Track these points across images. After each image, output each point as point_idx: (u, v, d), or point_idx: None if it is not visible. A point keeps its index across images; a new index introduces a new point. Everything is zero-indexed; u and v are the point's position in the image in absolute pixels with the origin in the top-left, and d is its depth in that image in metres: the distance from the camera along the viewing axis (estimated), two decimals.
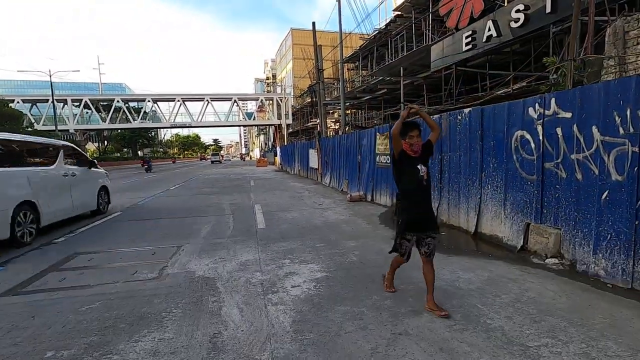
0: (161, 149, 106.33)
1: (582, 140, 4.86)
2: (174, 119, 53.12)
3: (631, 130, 4.25)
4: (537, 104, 5.55)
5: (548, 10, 9.01)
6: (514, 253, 5.83)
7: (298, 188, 17.01)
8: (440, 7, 13.75)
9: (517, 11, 10.00)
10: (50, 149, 8.33)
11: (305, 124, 44.14)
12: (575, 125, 4.96)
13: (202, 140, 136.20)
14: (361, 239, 7.03)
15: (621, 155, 4.37)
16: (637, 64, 5.86)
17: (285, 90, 55.72)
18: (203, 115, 53.03)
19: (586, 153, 4.81)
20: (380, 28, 22.40)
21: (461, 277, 4.77)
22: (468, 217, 7.24)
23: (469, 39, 11.96)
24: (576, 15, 5.83)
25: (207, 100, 52.15)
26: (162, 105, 54.25)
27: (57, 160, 8.21)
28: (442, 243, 6.65)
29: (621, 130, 4.36)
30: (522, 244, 5.81)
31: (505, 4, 11.64)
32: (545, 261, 5.26)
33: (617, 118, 4.41)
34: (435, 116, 8.30)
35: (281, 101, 53.06)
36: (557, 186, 5.28)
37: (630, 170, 4.26)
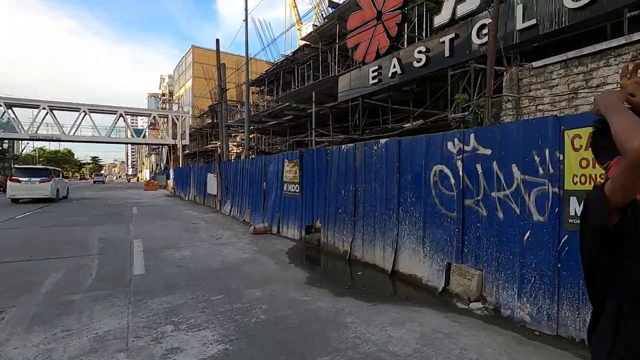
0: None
1: (502, 178, 4.74)
2: (36, 130, 43.77)
3: (551, 170, 4.20)
4: (456, 139, 5.39)
5: (447, 54, 9.76)
6: (436, 296, 5.40)
7: (193, 217, 14.87)
8: (347, 40, 14.07)
9: (420, 52, 10.67)
10: (58, 170, 23.08)
11: (204, 146, 41.14)
12: (495, 163, 4.84)
13: (76, 157, 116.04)
14: (269, 285, 5.84)
15: (542, 196, 4.29)
16: (529, 108, 6.38)
17: (182, 109, 51.66)
18: (78, 128, 45.06)
19: (507, 191, 4.68)
20: (288, 55, 22.34)
21: (393, 336, 3.99)
22: (384, 254, 6.74)
23: (376, 73, 12.38)
24: (492, 54, 6.07)
25: (85, 112, 44.65)
26: (22, 112, 44.29)
27: (59, 176, 22.68)
28: (360, 285, 5.92)
29: (541, 170, 4.31)
30: (443, 285, 5.43)
31: (405, 46, 12.45)
32: (470, 305, 4.90)
33: (536, 157, 4.35)
34: (349, 145, 7.84)
35: (177, 119, 48.85)
36: (479, 224, 5.07)
37: (552, 211, 4.18)
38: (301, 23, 36.53)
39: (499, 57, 6.78)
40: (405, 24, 12.36)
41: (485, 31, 8.67)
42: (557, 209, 4.14)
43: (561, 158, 4.12)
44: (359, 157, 7.57)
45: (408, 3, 11.62)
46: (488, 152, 4.95)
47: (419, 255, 6.02)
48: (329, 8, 17.51)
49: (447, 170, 5.56)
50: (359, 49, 13.37)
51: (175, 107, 55.72)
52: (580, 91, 5.68)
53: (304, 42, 20.57)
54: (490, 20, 8.58)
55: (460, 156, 5.32)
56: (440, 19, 10.04)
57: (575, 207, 3.98)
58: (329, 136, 17.26)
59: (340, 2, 16.93)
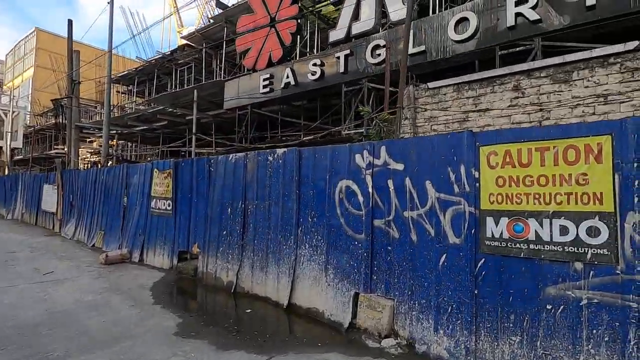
0: None
1: (416, 196, 4.31)
2: None
3: (467, 188, 3.92)
4: (365, 151, 4.83)
5: (341, 70, 9.63)
6: (342, 333, 4.59)
7: (13, 243, 10.93)
8: (237, 44, 12.90)
9: (315, 65, 10.32)
10: None
11: (46, 151, 32.91)
12: (408, 179, 4.40)
13: None
14: (120, 344, 4.07)
15: (458, 216, 3.97)
16: (424, 127, 6.46)
17: (17, 103, 40.77)
18: None
19: (421, 211, 4.26)
20: (164, 53, 19.65)
21: None
22: (279, 284, 5.67)
23: (267, 82, 11.53)
24: (403, 66, 5.85)
25: None
26: None
27: None
28: (250, 328, 4.68)
29: (456, 188, 4.00)
30: (350, 319, 4.67)
31: (297, 58, 12.04)
32: (382, 343, 4.23)
33: (451, 174, 4.05)
34: (239, 155, 6.63)
35: (5, 115, 38.19)
36: (390, 248, 4.52)
37: (468, 232, 3.87)
38: (182, 26, 33.56)
39: (395, 79, 6.84)
40: (298, 37, 12.00)
41: (379, 51, 8.83)
42: (473, 230, 3.84)
43: (477, 176, 3.87)
44: (250, 169, 6.41)
45: (304, 14, 11.31)
46: (400, 167, 4.49)
47: (321, 284, 5.16)
48: (217, 8, 16.05)
49: (354, 187, 4.92)
50: (249, 54, 12.37)
51: (3, 100, 43.77)
52: (471, 114, 5.97)
53: (185, 42, 18.39)
54: (384, 42, 8.78)
55: (370, 171, 4.76)
56: (336, 35, 9.96)
57: (492, 227, 3.73)
58: (212, 147, 15.49)
59: (230, 4, 15.71)
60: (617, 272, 3.08)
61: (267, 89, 11.57)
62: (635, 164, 3.05)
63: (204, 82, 15.43)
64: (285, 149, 5.92)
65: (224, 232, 6.68)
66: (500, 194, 3.70)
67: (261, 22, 11.92)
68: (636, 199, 3.03)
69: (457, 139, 4.05)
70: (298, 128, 13.13)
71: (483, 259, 3.77)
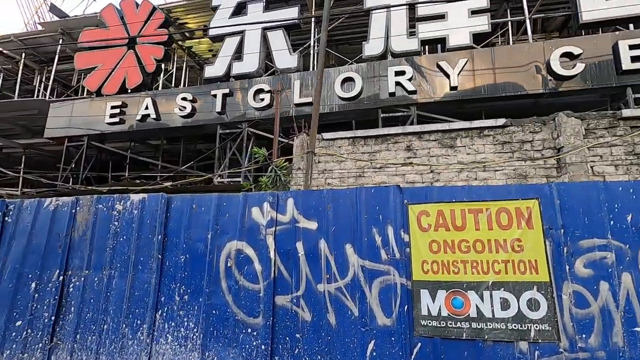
0: None
1: (333, 263, 3.41)
2: None
3: (396, 255, 3.27)
4: (266, 204, 3.73)
5: (218, 109, 8.43)
6: None
7: None
8: (77, 57, 10.13)
9: (185, 99, 8.78)
10: None
11: None
12: (323, 241, 3.48)
13: None
14: None
15: (387, 289, 3.23)
16: (319, 180, 5.84)
17: None
18: None
19: (340, 283, 3.35)
20: None
21: None
22: None
23: (117, 111, 9.11)
24: (316, 109, 5.08)
25: None
26: None
27: None
28: None
29: (384, 255, 3.30)
30: None
31: (160, 89, 10.21)
32: None
33: (377, 237, 3.36)
34: (65, 200, 4.45)
35: None
36: (298, 335, 3.36)
37: (401, 310, 3.14)
38: None
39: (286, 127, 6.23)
40: (163, 66, 10.32)
41: (262, 96, 8.15)
42: (406, 307, 3.13)
43: (407, 239, 3.28)
44: (82, 221, 4.33)
45: (172, 41, 9.85)
46: (313, 225, 3.56)
47: None
48: (50, 13, 12.76)
49: (249, 251, 3.68)
50: (94, 75, 9.81)
51: None
52: (367, 170, 5.71)
53: None
54: (268, 87, 8.19)
55: (272, 229, 3.65)
56: (213, 70, 8.83)
57: (428, 303, 3.10)
58: (19, 187, 11.26)
59: (71, 15, 12.75)
60: (561, 350, 2.80)
61: (116, 120, 9.19)
62: (563, 230, 2.97)
63: (15, 98, 11.49)
64: (145, 195, 4.21)
65: (19, 323, 4.14)
66: (435, 262, 3.16)
67: (115, 40, 9.78)
68: (568, 267, 2.91)
69: (383, 194, 3.44)
70: (154, 171, 10.83)
71: (419, 344, 3.05)
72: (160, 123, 8.96)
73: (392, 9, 7.64)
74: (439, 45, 8.11)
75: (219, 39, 8.97)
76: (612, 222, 2.91)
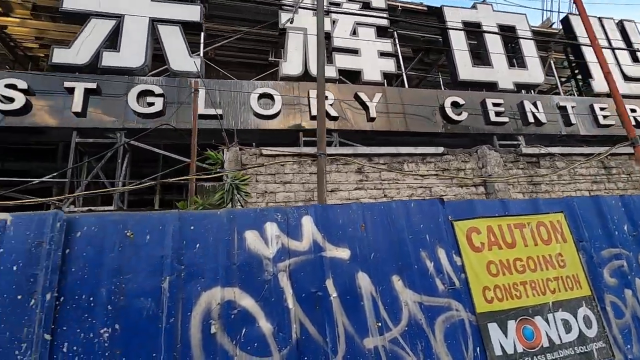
0: None
1: (381, 305, 2.45)
2: None
3: (456, 283, 2.62)
4: (272, 225, 2.47)
5: (77, 109, 5.76)
6: None
7: None
8: None
9: (12, 87, 5.64)
10: None
11: None
12: (362, 275, 2.50)
13: None
14: None
15: (452, 328, 2.51)
16: (258, 204, 4.51)
17: None
18: None
19: (394, 332, 2.41)
20: None
21: None
22: None
23: None
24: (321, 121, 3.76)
25: None
26: None
27: None
28: None
29: (439, 284, 2.60)
30: None
31: None
32: None
33: (427, 262, 2.64)
34: None
35: None
36: None
37: (475, 352, 2.45)
38: None
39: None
40: None
41: (152, 99, 6.17)
42: (478, 349, 2.47)
43: (459, 263, 2.69)
44: None
45: None
46: (345, 253, 2.52)
47: None
48: None
49: (248, 302, 2.28)
50: None
51: None
52: (315, 192, 4.82)
53: None
54: (160, 90, 6.36)
55: (285, 263, 2.40)
56: (66, 55, 6.15)
57: (499, 339, 2.53)
58: None
59: None
60: None
61: None
62: (590, 242, 3.03)
63: None
64: (6, 216, 2.14)
65: None
66: (497, 287, 2.67)
67: None
68: (601, 279, 2.93)
69: (426, 209, 2.79)
70: None
71: None
72: None
73: (308, 35, 7.43)
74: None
75: (80, 18, 6.54)
76: (616, 232, 3.15)
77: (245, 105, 6.66)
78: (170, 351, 2.07)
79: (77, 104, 5.96)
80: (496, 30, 8.76)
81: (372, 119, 7.11)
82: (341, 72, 7.48)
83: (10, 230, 2.11)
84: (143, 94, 6.29)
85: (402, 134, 7.38)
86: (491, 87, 8.30)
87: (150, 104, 6.24)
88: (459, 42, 8.45)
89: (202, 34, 7.51)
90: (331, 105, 6.95)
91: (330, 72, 7.37)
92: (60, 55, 6.28)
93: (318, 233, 2.51)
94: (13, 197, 5.88)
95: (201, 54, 7.17)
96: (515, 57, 9.03)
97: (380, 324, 2.37)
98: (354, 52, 7.67)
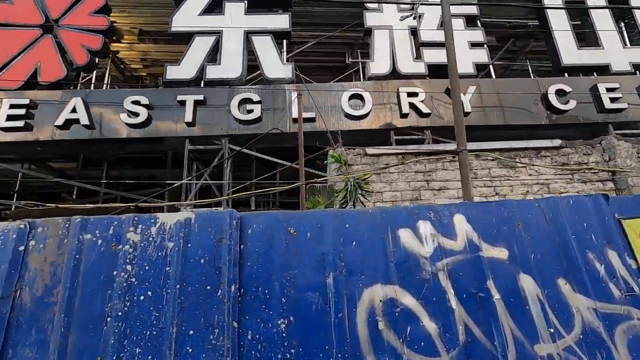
0: None
1: (549, 310, 2.27)
2: None
3: (635, 288, 2.34)
4: (426, 223, 2.43)
5: (188, 119, 6.44)
6: None
7: None
8: None
9: (135, 103, 6.49)
10: None
11: None
12: (525, 277, 2.34)
13: None
14: None
15: (636, 338, 2.22)
16: (367, 205, 4.53)
17: None
18: None
19: (568, 339, 2.21)
20: None
21: None
22: None
23: (23, 111, 6.16)
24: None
25: None
26: None
27: None
28: None
29: (615, 290, 2.34)
30: None
31: (92, 87, 7.50)
32: None
33: (597, 265, 2.39)
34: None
35: None
36: None
37: None
38: None
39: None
40: (97, 61, 7.81)
41: (251, 107, 6.61)
42: None
43: (634, 266, 2.39)
44: (43, 266, 2.25)
45: (114, 31, 7.53)
46: (503, 253, 2.39)
47: None
48: None
49: (409, 300, 2.27)
50: None
51: None
52: (423, 192, 4.74)
53: None
54: (257, 97, 6.75)
55: (442, 262, 2.34)
56: (178, 72, 6.89)
57: None
58: None
59: None
60: None
61: (19, 124, 6.28)
62: None
63: None
64: (190, 214, 2.39)
65: None
66: None
67: (19, 17, 7.05)
68: None
69: (588, 207, 2.53)
70: (62, 202, 7.75)
71: None
72: (95, 132, 6.44)
73: (394, 31, 7.32)
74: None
75: (186, 37, 7.23)
76: None
77: (335, 107, 6.77)
78: (341, 345, 2.14)
79: (188, 115, 6.59)
80: (604, 4, 7.81)
81: (466, 114, 6.75)
82: (430, 67, 7.23)
83: (194, 227, 2.36)
84: (243, 102, 6.73)
85: (499, 127, 6.92)
86: (602, 70, 7.39)
87: (250, 111, 6.65)
88: (559, 23, 7.68)
89: (285, 41, 7.81)
90: (422, 101, 6.77)
91: (419, 68, 7.18)
92: (172, 72, 6.98)
93: (473, 232, 2.41)
94: (131, 200, 6.68)
95: (284, 61, 7.43)
96: (630, 34, 7.94)
97: (552, 330, 2.20)
98: (443, 45, 7.36)
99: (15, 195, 7.89)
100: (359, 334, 2.17)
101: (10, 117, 6.38)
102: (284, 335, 2.15)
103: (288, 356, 2.11)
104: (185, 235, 2.33)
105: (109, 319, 2.15)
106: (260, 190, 4.46)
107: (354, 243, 2.38)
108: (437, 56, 7.33)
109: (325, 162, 4.81)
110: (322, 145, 4.97)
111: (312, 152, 5.99)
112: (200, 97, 6.70)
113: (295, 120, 6.69)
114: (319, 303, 2.23)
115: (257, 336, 2.16)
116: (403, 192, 4.76)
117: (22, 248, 2.26)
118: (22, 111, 6.40)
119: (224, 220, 2.34)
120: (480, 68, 7.45)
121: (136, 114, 6.50)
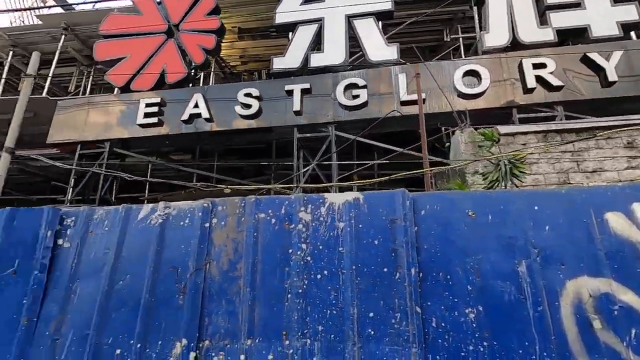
0: None
1: None
2: None
3: None
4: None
5: (295, 108, 6.68)
6: None
7: None
8: (97, 52, 8.05)
9: (248, 95, 6.93)
10: None
11: None
12: None
13: None
14: None
15: None
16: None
17: None
18: None
19: None
20: None
21: None
22: None
23: (155, 109, 7.08)
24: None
25: None
26: None
27: None
28: None
29: None
30: None
31: (210, 83, 8.19)
32: None
33: None
34: (184, 204, 2.48)
35: None
36: None
37: None
38: None
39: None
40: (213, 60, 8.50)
41: (356, 92, 6.54)
42: None
43: None
44: (226, 243, 2.38)
45: (224, 30, 8.12)
46: None
47: None
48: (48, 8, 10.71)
49: (629, 297, 1.89)
50: (120, 67, 7.80)
51: None
52: (572, 174, 4.14)
53: None
54: (363, 81, 6.61)
55: None
56: (283, 62, 7.17)
57: None
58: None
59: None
60: None
61: (153, 120, 7.14)
62: None
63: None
64: (358, 194, 2.33)
65: None
66: None
67: (149, 27, 7.94)
68: None
69: None
70: (180, 190, 8.65)
71: None
72: (215, 124, 7.00)
73: None
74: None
75: (290, 27, 7.40)
76: None
77: (447, 87, 6.28)
78: (545, 342, 1.87)
79: (296, 104, 6.75)
80: None
81: (609, 84, 5.72)
82: (560, 32, 6.26)
83: (364, 207, 2.29)
84: (348, 87, 6.65)
85: None
86: None
87: (355, 97, 6.54)
88: None
89: (380, 22, 7.40)
90: (551, 73, 5.90)
91: (546, 34, 6.28)
92: (278, 63, 7.21)
93: None
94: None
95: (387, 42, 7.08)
96: None
97: None
98: (576, 5, 6.31)
99: (147, 184, 9.06)
100: (567, 332, 1.88)
101: (146, 115, 7.25)
102: (474, 325, 1.96)
103: (481, 349, 1.92)
104: (356, 215, 2.27)
105: (289, 295, 2.20)
106: (382, 178, 4.29)
107: (547, 227, 2.07)
108: (568, 19, 6.33)
109: (447, 144, 4.45)
110: (443, 125, 4.61)
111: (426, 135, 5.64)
112: (307, 86, 6.80)
113: (403, 103, 6.40)
114: (512, 293, 1.98)
115: (443, 324, 2.00)
116: (546, 175, 4.18)
117: (207, 225, 2.44)
118: (155, 109, 7.22)
119: (396, 200, 2.22)
120: (628, 27, 6.21)
121: (249, 106, 6.87)
